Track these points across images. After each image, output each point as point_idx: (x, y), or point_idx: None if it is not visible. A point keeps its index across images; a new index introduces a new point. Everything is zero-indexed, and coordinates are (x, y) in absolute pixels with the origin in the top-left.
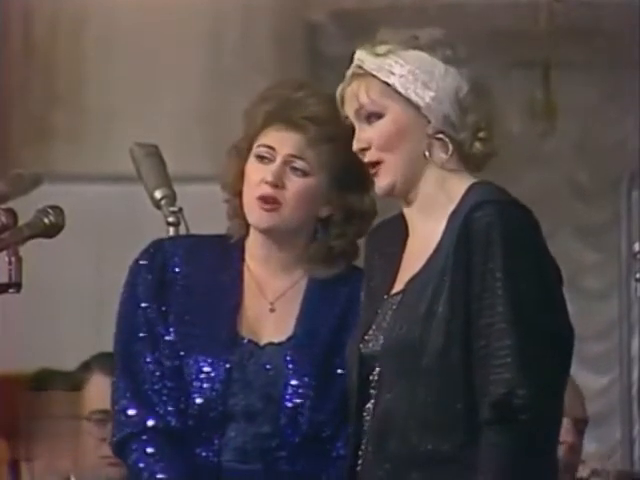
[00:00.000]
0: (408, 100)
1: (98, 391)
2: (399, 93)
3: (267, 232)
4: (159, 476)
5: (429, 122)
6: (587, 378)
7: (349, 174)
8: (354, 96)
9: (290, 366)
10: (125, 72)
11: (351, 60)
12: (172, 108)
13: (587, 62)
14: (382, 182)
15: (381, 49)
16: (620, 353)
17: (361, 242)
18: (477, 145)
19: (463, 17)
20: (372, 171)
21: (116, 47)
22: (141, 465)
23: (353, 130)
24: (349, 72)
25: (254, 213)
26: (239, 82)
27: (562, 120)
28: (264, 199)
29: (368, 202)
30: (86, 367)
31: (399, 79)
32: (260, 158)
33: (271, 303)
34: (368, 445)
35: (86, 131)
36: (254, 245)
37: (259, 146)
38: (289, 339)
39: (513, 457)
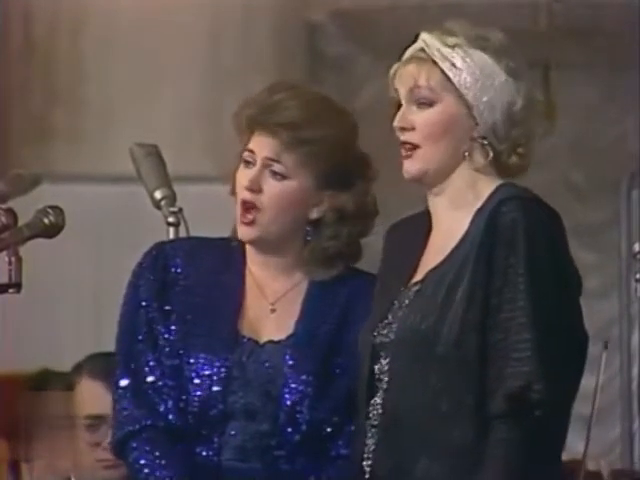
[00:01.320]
0: (463, 97)
1: (87, 395)
2: (456, 88)
3: (252, 244)
4: (159, 474)
5: (476, 124)
6: (585, 378)
7: (337, 175)
8: (411, 76)
9: (289, 364)
10: (125, 72)
11: (352, 58)
12: (172, 108)
13: (587, 62)
14: (413, 167)
15: (450, 40)
16: (620, 351)
17: (364, 242)
18: (514, 158)
19: (463, 17)
20: (404, 153)
21: (116, 47)
22: (142, 462)
23: (338, 130)
24: (409, 52)
25: (238, 226)
26: (239, 82)
27: (562, 120)
28: (244, 205)
29: (368, 201)
30: (78, 369)
31: (460, 74)
32: (246, 162)
33: (272, 304)
34: (377, 438)
35: (86, 131)
36: (251, 250)
37: (244, 150)
38: (289, 337)
39: (522, 452)
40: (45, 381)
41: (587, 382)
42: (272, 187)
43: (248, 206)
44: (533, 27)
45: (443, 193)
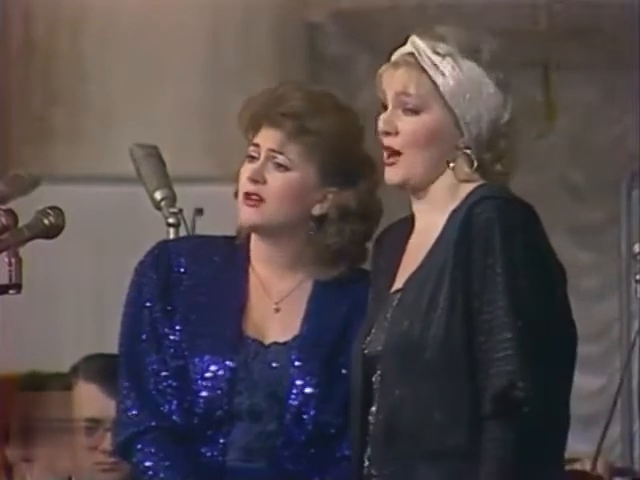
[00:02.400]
0: (450, 108)
1: (83, 398)
2: (444, 98)
3: (254, 230)
4: (164, 476)
5: (462, 135)
6: (584, 379)
7: (341, 171)
8: (400, 82)
9: (295, 365)
10: (125, 72)
11: (350, 59)
12: (172, 108)
13: (587, 62)
14: (395, 175)
15: (442, 48)
16: (620, 351)
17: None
18: (498, 166)
19: (462, 17)
20: (388, 160)
21: (116, 47)
22: (146, 464)
23: (342, 124)
24: (398, 55)
25: (240, 211)
26: (239, 82)
27: (561, 120)
28: (247, 195)
29: (372, 202)
30: (74, 372)
31: (449, 85)
32: (250, 158)
33: (276, 303)
34: (374, 447)
35: (86, 131)
36: (256, 246)
37: (249, 145)
38: (294, 338)
39: (515, 451)
40: (33, 383)
41: (584, 383)
42: (276, 179)
43: (251, 197)
44: (533, 27)
45: (425, 198)
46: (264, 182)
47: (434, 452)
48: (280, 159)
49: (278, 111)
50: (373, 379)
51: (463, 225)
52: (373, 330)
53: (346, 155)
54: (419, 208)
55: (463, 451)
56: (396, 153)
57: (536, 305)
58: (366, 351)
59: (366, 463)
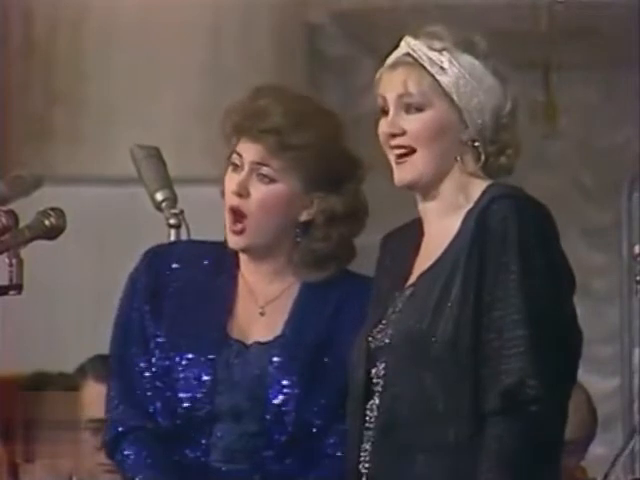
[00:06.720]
0: (453, 102)
1: (92, 398)
2: (446, 92)
3: (243, 252)
4: (145, 475)
5: (466, 128)
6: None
7: (326, 177)
8: (400, 82)
9: (276, 365)
10: (125, 72)
11: (350, 58)
12: (172, 108)
13: (587, 62)
14: (406, 175)
15: (437, 44)
16: (622, 354)
17: (369, 245)
18: (502, 159)
19: (463, 18)
20: (397, 159)
21: (116, 47)
22: (129, 463)
23: (324, 132)
24: (394, 57)
25: (227, 235)
26: (239, 82)
27: (565, 121)
28: (232, 212)
29: (355, 202)
30: (81, 371)
31: (450, 79)
32: (234, 166)
33: (261, 307)
34: (373, 440)
35: (86, 131)
36: (243, 256)
37: (232, 153)
38: (276, 339)
39: (517, 448)
40: (39, 383)
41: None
42: (260, 192)
43: (236, 213)
44: (534, 28)
45: (434, 199)
46: (248, 195)
47: (435, 445)
48: (264, 170)
49: (258, 127)
50: (373, 372)
51: (478, 223)
52: (381, 325)
53: (330, 161)
54: (429, 209)
55: (464, 445)
56: (409, 152)
57: (548, 305)
58: (372, 344)
59: (363, 456)
